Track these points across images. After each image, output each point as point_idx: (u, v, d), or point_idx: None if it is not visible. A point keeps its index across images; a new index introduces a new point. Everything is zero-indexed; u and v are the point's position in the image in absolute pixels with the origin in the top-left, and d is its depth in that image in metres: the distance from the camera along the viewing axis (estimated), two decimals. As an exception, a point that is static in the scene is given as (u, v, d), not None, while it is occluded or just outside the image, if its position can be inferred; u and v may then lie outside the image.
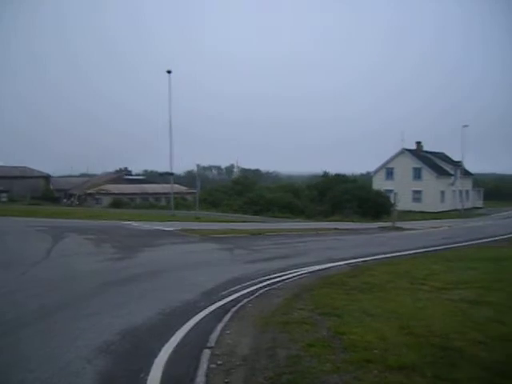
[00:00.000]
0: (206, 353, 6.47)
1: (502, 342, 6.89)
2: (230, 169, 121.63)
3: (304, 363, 5.98)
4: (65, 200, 68.56)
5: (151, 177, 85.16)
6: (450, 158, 74.35)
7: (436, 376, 5.53)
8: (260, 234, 25.57)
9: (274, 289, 11.24)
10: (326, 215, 44.85)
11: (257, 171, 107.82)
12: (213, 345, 6.84)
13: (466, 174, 72.84)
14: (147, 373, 5.69)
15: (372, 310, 8.77)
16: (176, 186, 53.39)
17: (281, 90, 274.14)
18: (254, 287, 11.32)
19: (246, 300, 9.93)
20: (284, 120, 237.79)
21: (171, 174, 41.60)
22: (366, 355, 6.21)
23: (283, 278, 12.77)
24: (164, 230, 25.10)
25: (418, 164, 66.39)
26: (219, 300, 9.86)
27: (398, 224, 35.74)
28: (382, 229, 33.87)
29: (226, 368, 5.93)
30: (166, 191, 53.43)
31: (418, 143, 70.62)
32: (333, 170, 61.81)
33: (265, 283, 11.88)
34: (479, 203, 77.60)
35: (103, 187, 66.41)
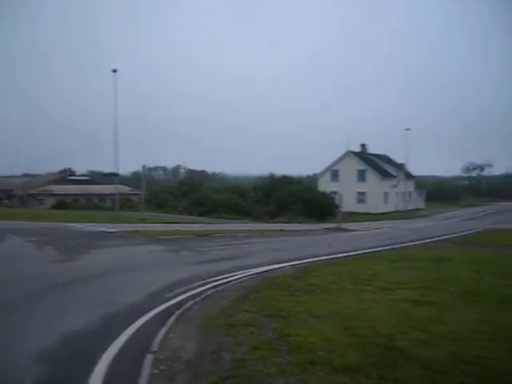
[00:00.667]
0: (149, 358, 6.30)
1: (443, 341, 6.99)
2: (176, 170, 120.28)
3: (249, 366, 5.89)
4: (6, 201, 66.52)
5: (96, 177, 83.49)
6: (393, 161, 76.04)
7: (380, 376, 5.56)
8: (206, 235, 25.45)
9: (219, 291, 11.15)
10: (271, 216, 45.04)
11: (203, 172, 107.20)
12: (156, 349, 6.68)
13: (409, 176, 74.71)
14: (86, 382, 5.49)
15: (317, 312, 8.77)
16: (121, 186, 52.62)
17: (230, 94, 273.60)
18: (200, 289, 11.20)
19: (191, 302, 9.79)
20: (231, 122, 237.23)
21: (116, 174, 40.93)
22: (311, 357, 6.18)
23: (229, 279, 12.70)
24: (108, 232, 24.66)
25: (362, 166, 67.55)
26: (164, 302, 9.71)
27: (343, 225, 36.32)
28: (327, 230, 34.28)
29: (169, 373, 5.78)
30: (110, 192, 52.43)
31: (363, 146, 71.94)
32: (279, 171, 62.28)
33: (210, 285, 11.77)
34: (421, 204, 79.53)
35: (46, 188, 64.74)
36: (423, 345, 6.80)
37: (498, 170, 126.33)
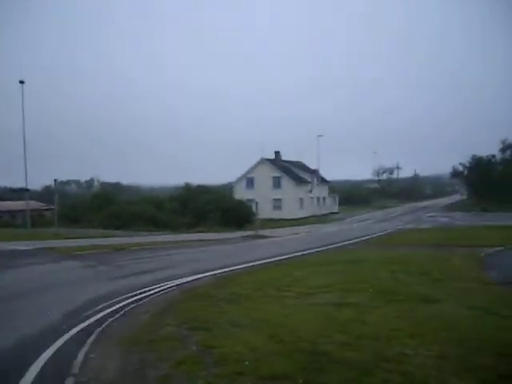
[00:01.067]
0: (70, 381, 6.05)
1: (365, 341, 7.14)
2: (90, 183, 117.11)
3: (174, 382, 5.78)
4: None
5: (4, 193, 79.87)
6: (307, 167, 77.47)
7: (307, 382, 5.60)
8: (124, 248, 24.84)
9: (140, 305, 10.93)
10: (189, 227, 44.61)
11: (117, 184, 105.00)
12: (77, 371, 6.40)
13: (323, 181, 76.29)
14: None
15: (240, 321, 8.76)
16: (32, 202, 50.52)
17: (142, 105, 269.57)
18: (120, 305, 10.93)
19: (111, 319, 9.53)
20: (143, 132, 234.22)
21: (26, 189, 39.16)
22: (237, 367, 6.13)
23: (149, 293, 12.47)
24: (20, 250, 23.53)
25: (277, 173, 68.28)
26: (82, 321, 9.36)
27: (261, 232, 36.57)
28: (246, 238, 34.36)
29: None
30: (21, 208, 50.23)
31: (277, 153, 72.80)
32: (195, 181, 61.86)
33: (130, 300, 11.51)
34: (335, 208, 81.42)
35: None
36: (346, 347, 6.91)
37: (406, 172, 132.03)
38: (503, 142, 79.98)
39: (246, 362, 6.33)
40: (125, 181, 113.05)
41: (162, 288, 13.20)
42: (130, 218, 45.35)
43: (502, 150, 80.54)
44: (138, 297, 11.91)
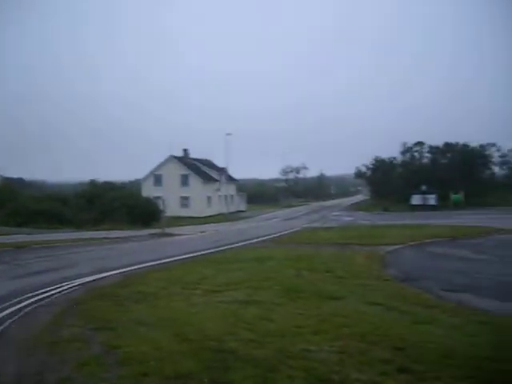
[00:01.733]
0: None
1: (271, 338, 7.24)
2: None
3: (76, 385, 5.63)
4: None
5: None
6: (215, 165, 77.68)
7: (213, 380, 5.61)
8: (25, 246, 23.90)
9: (42, 305, 10.50)
10: (95, 224, 43.46)
11: (20, 180, 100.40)
12: (-29, 377, 6.09)
13: (231, 179, 76.73)
14: None
15: (146, 320, 8.64)
16: None
17: (43, 95, 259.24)
18: (20, 305, 10.43)
19: (9, 321, 9.07)
20: (51, 128, 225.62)
21: None
22: (142, 368, 6.05)
23: (52, 292, 12.03)
24: None
25: (185, 171, 68.03)
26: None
27: (168, 230, 36.22)
28: (153, 235, 33.99)
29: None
30: None
31: (185, 150, 72.64)
32: (102, 177, 60.29)
33: (32, 300, 11.04)
34: (243, 207, 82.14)
35: None
36: (252, 344, 6.98)
37: (313, 172, 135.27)
38: (403, 144, 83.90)
39: (151, 362, 6.25)
40: (28, 176, 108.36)
41: (66, 287, 12.77)
42: (33, 214, 43.55)
43: (402, 153, 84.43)
44: (40, 297, 11.44)
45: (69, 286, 12.93)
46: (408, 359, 6.22)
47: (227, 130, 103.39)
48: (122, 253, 23.09)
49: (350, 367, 5.98)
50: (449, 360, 6.16)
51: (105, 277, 14.58)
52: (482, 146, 79.12)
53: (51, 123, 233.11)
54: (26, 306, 10.37)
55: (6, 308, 10.19)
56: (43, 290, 12.22)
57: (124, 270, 15.88)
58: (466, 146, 79.00)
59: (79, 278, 14.12)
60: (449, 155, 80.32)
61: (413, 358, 6.23)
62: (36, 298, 11.25)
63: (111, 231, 36.99)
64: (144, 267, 16.62)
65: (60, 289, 12.55)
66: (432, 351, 6.52)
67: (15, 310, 9.99)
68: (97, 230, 38.42)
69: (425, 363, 6.06)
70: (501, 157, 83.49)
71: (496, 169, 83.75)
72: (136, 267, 16.54)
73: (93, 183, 57.48)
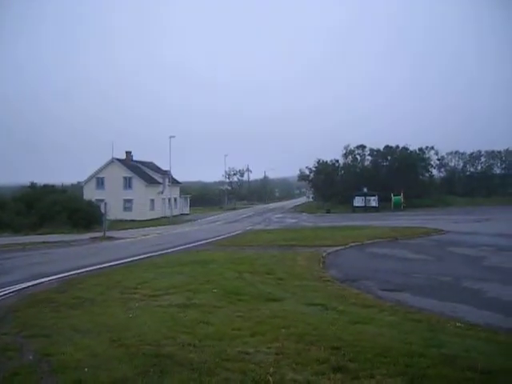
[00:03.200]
0: None
1: (209, 342, 7.20)
2: None
3: (6, 396, 5.43)
4: None
5: None
6: (159, 168, 76.98)
7: (148, 385, 5.52)
8: (-44, 253, 22.97)
9: (-28, 314, 10.11)
10: (34, 228, 42.33)
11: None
12: None
13: (174, 182, 76.19)
14: None
15: (83, 326, 8.45)
16: None
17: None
18: None
19: None
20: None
21: None
22: (76, 375, 5.87)
23: (-16, 300, 11.61)
24: None
25: (128, 173, 67.13)
26: None
27: (110, 233, 35.69)
28: (94, 239, 33.46)
29: None
30: None
31: (128, 153, 71.61)
32: (42, 180, 58.82)
33: (-39, 308, 10.62)
34: (186, 210, 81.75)
35: None
36: (190, 348, 6.91)
37: (256, 175, 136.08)
38: (346, 147, 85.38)
39: (86, 369, 6.09)
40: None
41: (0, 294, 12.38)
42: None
43: (345, 156, 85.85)
44: (-29, 304, 11.04)
45: (3, 293, 12.51)
46: (344, 358, 6.29)
47: (170, 132, 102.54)
48: (62, 257, 22.56)
49: (286, 368, 5.99)
50: (383, 358, 6.27)
51: (42, 282, 14.21)
52: (420, 150, 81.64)
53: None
54: (-45, 315, 9.97)
55: None
56: (-25, 299, 11.79)
57: (62, 275, 15.49)
58: (405, 149, 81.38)
59: (14, 285, 13.70)
60: (389, 158, 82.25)
61: (348, 357, 6.31)
62: (-33, 306, 10.83)
63: (51, 235, 36.17)
64: (83, 272, 16.31)
65: (-7, 296, 12.13)
66: (367, 350, 6.61)
67: None
68: (36, 235, 37.43)
69: (360, 361, 6.15)
70: (439, 160, 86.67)
71: (434, 171, 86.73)
72: (75, 272, 16.22)
73: (32, 186, 56.06)
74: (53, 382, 5.80)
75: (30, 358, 6.78)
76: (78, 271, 16.47)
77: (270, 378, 5.59)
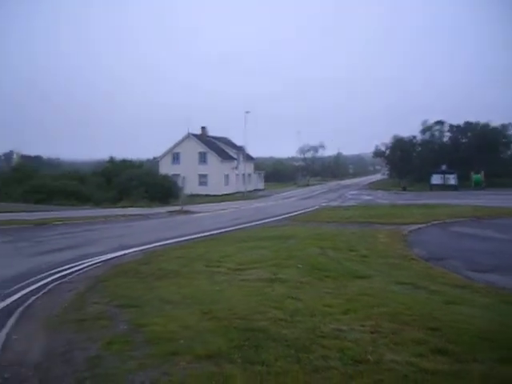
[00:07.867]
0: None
1: (301, 317, 7.07)
2: (8, 156, 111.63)
3: (106, 364, 5.46)
4: None
5: None
6: (233, 143, 77.52)
7: (245, 360, 5.43)
8: (46, 223, 23.89)
9: (64, 282, 10.45)
10: (113, 201, 43.60)
11: (38, 158, 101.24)
12: (-3, 354, 5.98)
13: (249, 158, 76.49)
14: None
15: (171, 297, 8.50)
16: None
17: (64, 75, 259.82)
18: (43, 282, 10.43)
19: (33, 297, 9.02)
20: (66, 105, 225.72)
21: None
22: (171, 347, 5.89)
23: (74, 269, 11.98)
24: None
25: (203, 148, 67.88)
26: (2, 300, 8.82)
27: (187, 208, 36.15)
28: (171, 213, 33.98)
29: (15, 382, 5.18)
30: None
31: (203, 128, 72.27)
32: (120, 155, 60.44)
33: (54, 277, 11.01)
34: (261, 185, 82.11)
35: None
36: (282, 323, 6.79)
37: (330, 151, 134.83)
38: (423, 123, 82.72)
39: (181, 341, 6.09)
40: (46, 154, 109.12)
41: (87, 264, 12.73)
42: (51, 192, 43.70)
43: (423, 132, 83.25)
44: (62, 273, 11.40)
45: (90, 263, 12.88)
46: (443, 340, 6.01)
47: (247, 108, 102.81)
48: (142, 230, 23.09)
49: (383, 348, 5.79)
50: (484, 341, 5.96)
51: (125, 254, 14.54)
52: (503, 126, 77.26)
53: (73, 100, 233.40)
54: (48, 283, 10.32)
55: (29, 284, 10.17)
56: (65, 267, 12.19)
57: (144, 247, 15.82)
58: (486, 125, 77.21)
59: (100, 255, 14.09)
60: (469, 134, 78.80)
61: (448, 339, 6.03)
62: (58, 275, 11.21)
63: (130, 208, 37.06)
64: (164, 244, 16.57)
65: (81, 266, 12.50)
66: (466, 331, 6.30)
67: (39, 287, 9.96)
68: (116, 208, 38.47)
69: (460, 344, 5.85)
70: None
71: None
72: (156, 244, 16.52)
73: (111, 161, 57.71)
74: (148, 352, 5.82)
75: (124, 327, 6.87)
76: (159, 243, 16.76)
77: (370, 358, 5.41)
